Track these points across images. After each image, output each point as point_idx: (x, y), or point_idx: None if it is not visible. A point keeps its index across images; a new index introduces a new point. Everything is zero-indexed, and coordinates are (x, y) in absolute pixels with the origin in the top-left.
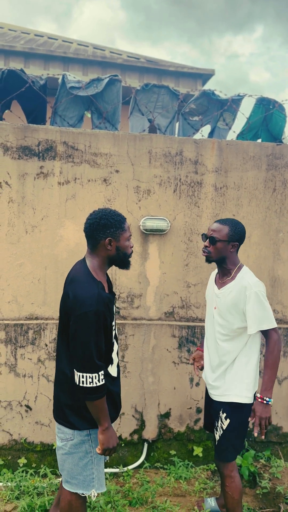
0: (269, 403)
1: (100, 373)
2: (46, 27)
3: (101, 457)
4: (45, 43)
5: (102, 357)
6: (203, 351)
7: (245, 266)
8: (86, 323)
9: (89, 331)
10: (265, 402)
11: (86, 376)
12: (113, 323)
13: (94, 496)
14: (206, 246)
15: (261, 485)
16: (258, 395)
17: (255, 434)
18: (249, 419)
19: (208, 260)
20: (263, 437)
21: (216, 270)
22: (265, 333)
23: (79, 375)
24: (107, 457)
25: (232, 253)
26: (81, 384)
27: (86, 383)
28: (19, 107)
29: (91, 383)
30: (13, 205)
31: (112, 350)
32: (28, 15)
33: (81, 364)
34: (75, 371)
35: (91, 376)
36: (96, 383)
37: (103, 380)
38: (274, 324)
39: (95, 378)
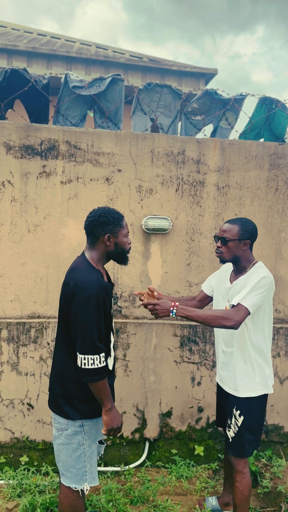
0: (172, 314)
1: (101, 354)
2: (49, 27)
3: (93, 450)
4: (48, 42)
5: (103, 340)
6: (171, 299)
7: (260, 262)
8: (87, 306)
9: (90, 314)
10: (171, 309)
11: (88, 358)
12: (111, 312)
13: (86, 490)
14: (218, 247)
15: (262, 485)
16: (177, 303)
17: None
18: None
19: (222, 261)
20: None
21: (227, 265)
22: (233, 306)
23: (81, 357)
24: (101, 452)
25: (245, 251)
26: (83, 366)
27: (88, 365)
28: (22, 106)
29: (93, 365)
30: (16, 204)
31: (110, 341)
32: (31, 15)
33: (83, 346)
34: (78, 354)
35: (92, 358)
36: (97, 365)
37: (105, 362)
38: (250, 308)
39: (97, 360)
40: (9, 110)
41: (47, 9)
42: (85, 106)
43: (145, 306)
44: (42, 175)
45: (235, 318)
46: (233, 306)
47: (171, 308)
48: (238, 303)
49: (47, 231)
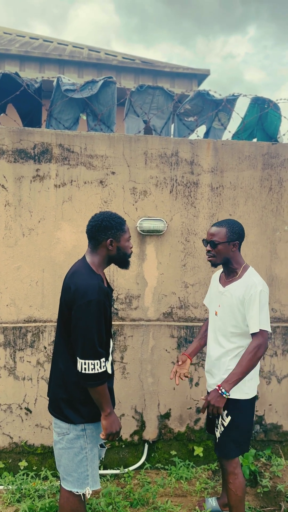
0: (224, 395)
1: (101, 360)
2: (41, 30)
3: (95, 454)
4: (40, 46)
5: (103, 345)
6: (189, 358)
7: (251, 267)
8: (88, 311)
9: (91, 319)
10: (220, 392)
11: (88, 363)
12: (111, 316)
13: (88, 494)
14: (209, 251)
15: (262, 484)
16: (219, 383)
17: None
18: (202, 397)
19: (214, 264)
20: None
21: (218, 272)
22: (253, 334)
23: (82, 362)
24: (102, 455)
25: (234, 253)
26: (83, 371)
27: (89, 370)
28: (14, 111)
29: (93, 370)
30: (10, 208)
31: (109, 345)
32: (24, 19)
33: (83, 351)
34: (78, 359)
35: (93, 363)
36: (98, 370)
37: (105, 367)
38: (269, 328)
39: (97, 365)
40: (1, 115)
41: (40, 12)
42: (78, 109)
43: (207, 412)
44: (36, 179)
45: (263, 344)
46: (253, 333)
47: (220, 392)
48: (259, 329)
49: (41, 235)
